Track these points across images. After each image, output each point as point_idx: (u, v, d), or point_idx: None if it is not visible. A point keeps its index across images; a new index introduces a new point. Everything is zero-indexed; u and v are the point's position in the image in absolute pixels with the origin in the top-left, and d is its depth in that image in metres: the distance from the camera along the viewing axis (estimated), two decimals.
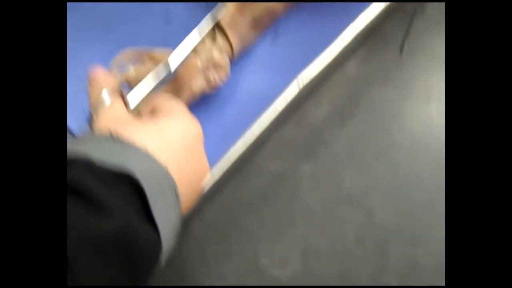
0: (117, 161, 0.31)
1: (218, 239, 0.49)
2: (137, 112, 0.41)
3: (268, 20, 0.54)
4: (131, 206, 0.30)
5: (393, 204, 0.50)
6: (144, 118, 0.40)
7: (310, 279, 0.49)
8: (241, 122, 0.52)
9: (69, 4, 0.58)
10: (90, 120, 0.38)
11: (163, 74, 0.43)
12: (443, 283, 0.47)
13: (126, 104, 0.40)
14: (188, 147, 0.37)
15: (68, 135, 0.52)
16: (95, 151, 0.31)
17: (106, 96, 0.38)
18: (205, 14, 0.50)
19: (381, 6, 0.51)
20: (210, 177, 0.45)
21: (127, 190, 0.31)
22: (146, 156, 0.33)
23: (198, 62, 0.47)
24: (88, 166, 0.30)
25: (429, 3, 0.58)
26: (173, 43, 0.53)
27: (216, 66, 0.48)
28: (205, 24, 0.48)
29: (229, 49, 0.49)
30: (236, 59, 0.54)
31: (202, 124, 0.48)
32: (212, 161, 0.46)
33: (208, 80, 0.47)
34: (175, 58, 0.44)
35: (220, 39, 0.49)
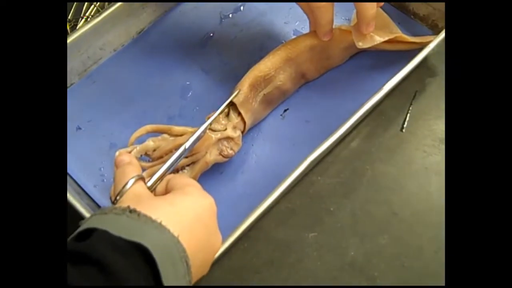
0: (132, 234, 0.35)
1: None
2: (154, 188, 0.46)
3: (279, 96, 0.59)
4: (144, 276, 0.34)
5: (394, 273, 0.51)
6: (160, 195, 0.44)
7: None
8: (251, 191, 0.55)
9: (92, 75, 0.63)
10: (113, 199, 0.42)
11: (177, 155, 0.48)
12: None
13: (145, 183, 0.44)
14: (200, 219, 0.41)
15: (85, 197, 0.55)
16: (113, 224, 0.36)
17: (130, 184, 0.42)
18: (220, 89, 0.54)
19: (386, 88, 0.55)
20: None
21: (140, 261, 0.34)
22: (159, 229, 0.36)
23: (213, 137, 0.52)
24: (106, 237, 0.35)
25: (429, 84, 0.62)
26: (188, 116, 0.58)
27: (229, 139, 0.52)
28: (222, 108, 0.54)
29: (242, 124, 0.54)
30: (248, 132, 0.58)
31: (213, 192, 0.51)
32: (222, 228, 0.48)
33: (221, 152, 0.52)
34: (190, 140, 0.49)
35: (233, 115, 0.54)
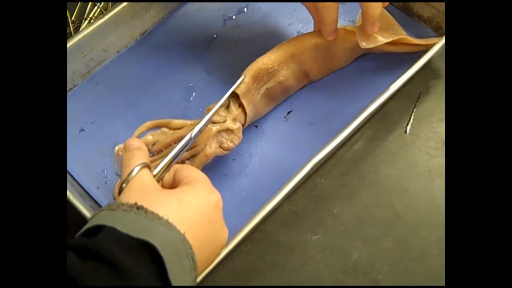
0: (140, 231, 0.36)
1: None
2: (160, 178, 0.45)
3: (281, 93, 0.58)
4: (152, 272, 0.35)
5: (398, 276, 0.51)
6: (167, 188, 0.44)
7: None
8: (254, 194, 0.55)
9: (96, 77, 0.63)
10: (120, 189, 0.42)
11: (182, 143, 0.48)
12: None
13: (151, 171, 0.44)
14: (206, 216, 0.41)
15: (88, 199, 0.55)
16: (121, 221, 0.36)
17: (135, 171, 0.42)
18: (224, 90, 0.54)
19: (390, 91, 0.55)
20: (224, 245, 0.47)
21: (148, 258, 0.35)
22: (166, 225, 0.37)
23: (213, 129, 0.51)
24: (115, 235, 0.35)
25: (433, 86, 0.62)
26: (191, 117, 0.58)
27: (229, 131, 0.52)
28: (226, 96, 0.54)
29: (242, 116, 0.54)
30: (251, 135, 0.58)
31: None
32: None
33: (221, 144, 0.52)
34: (195, 130, 0.49)
35: (233, 106, 0.53)
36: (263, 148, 0.58)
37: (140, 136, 0.52)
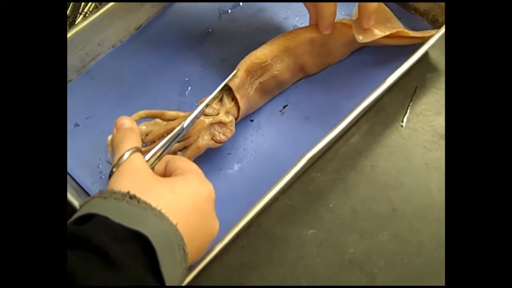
0: (133, 221, 0.35)
1: None
2: (152, 166, 0.45)
3: (275, 87, 0.58)
4: (143, 263, 0.35)
5: (394, 270, 0.51)
6: (160, 177, 0.43)
7: None
8: (250, 188, 0.55)
9: (90, 72, 0.63)
10: (110, 173, 0.42)
11: (175, 132, 0.48)
12: None
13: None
14: (198, 207, 0.41)
15: (83, 194, 0.55)
16: (113, 210, 0.36)
17: (126, 156, 0.42)
18: (219, 84, 0.54)
19: (386, 84, 0.55)
20: (219, 240, 0.47)
21: (139, 248, 0.35)
22: (158, 216, 0.37)
23: (206, 121, 0.51)
24: (107, 224, 0.35)
25: (430, 79, 0.62)
26: (186, 111, 0.57)
27: (221, 124, 0.52)
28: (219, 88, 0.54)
29: (235, 110, 0.54)
30: (247, 129, 0.58)
31: (214, 189, 0.51)
32: (221, 225, 0.48)
33: (213, 137, 0.52)
34: (187, 120, 0.49)
35: (227, 99, 0.53)
36: (259, 142, 0.58)
37: None
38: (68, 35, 0.60)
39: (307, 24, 0.60)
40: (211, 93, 0.53)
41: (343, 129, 0.53)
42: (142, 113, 0.53)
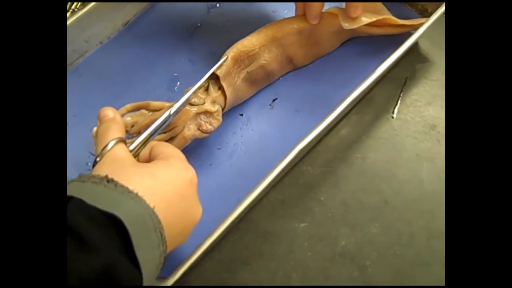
0: (107, 204, 0.35)
1: None
2: (137, 154, 0.45)
3: (263, 77, 0.58)
4: (117, 245, 0.34)
5: (386, 261, 0.51)
6: (142, 162, 0.43)
7: None
8: (240, 183, 0.55)
9: (78, 69, 0.62)
10: (94, 163, 0.42)
11: (161, 120, 0.48)
12: None
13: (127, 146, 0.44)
14: (179, 191, 0.41)
15: None
16: (89, 193, 0.35)
17: (110, 146, 0.42)
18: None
19: (375, 75, 0.54)
20: (209, 235, 0.47)
21: (114, 231, 0.34)
22: (135, 199, 0.36)
23: (192, 111, 0.51)
24: (82, 207, 0.34)
25: (420, 70, 0.61)
26: (171, 99, 0.57)
27: (208, 114, 0.52)
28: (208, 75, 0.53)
29: (222, 99, 0.53)
30: (237, 123, 0.58)
31: (202, 184, 0.50)
32: (212, 221, 0.48)
33: (199, 127, 0.51)
34: (174, 107, 0.49)
35: (213, 88, 0.53)
36: (249, 136, 0.57)
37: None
38: None
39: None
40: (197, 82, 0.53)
41: (333, 121, 0.53)
42: (128, 106, 0.52)
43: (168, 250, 0.39)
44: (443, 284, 0.48)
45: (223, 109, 0.54)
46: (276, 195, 0.54)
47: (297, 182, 0.55)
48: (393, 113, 0.59)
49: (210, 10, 0.67)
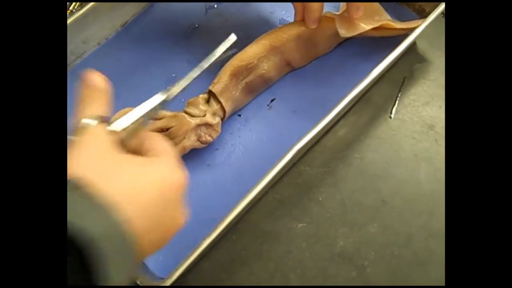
0: (70, 217, 0.30)
1: None
2: (122, 142, 0.40)
3: (262, 85, 0.58)
4: (73, 264, 0.31)
5: (384, 261, 0.51)
6: (130, 154, 0.38)
7: None
8: (238, 183, 0.55)
9: (76, 70, 0.62)
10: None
11: (154, 103, 0.43)
12: None
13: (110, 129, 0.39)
14: (163, 193, 0.37)
15: None
16: None
17: (88, 123, 0.36)
18: (206, 81, 0.54)
19: (373, 75, 0.54)
20: (208, 235, 0.46)
21: (74, 248, 0.31)
22: (103, 212, 0.32)
23: (192, 122, 0.51)
24: None
25: (418, 70, 0.61)
26: (173, 109, 0.57)
27: (207, 125, 0.52)
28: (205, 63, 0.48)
29: (221, 112, 0.54)
30: (235, 124, 0.58)
31: (200, 185, 0.50)
32: (210, 221, 0.48)
33: (199, 138, 0.52)
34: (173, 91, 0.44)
35: (213, 101, 0.53)
36: (247, 137, 0.57)
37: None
38: None
39: (293, 17, 0.60)
40: (200, 94, 0.53)
41: (330, 121, 0.53)
42: (127, 110, 0.52)
43: (147, 255, 0.36)
44: (441, 283, 0.48)
45: (222, 120, 0.55)
46: (274, 195, 0.54)
47: (295, 183, 0.55)
48: (391, 113, 0.59)
49: (208, 11, 0.67)
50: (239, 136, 0.57)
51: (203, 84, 0.58)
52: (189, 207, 0.53)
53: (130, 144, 0.39)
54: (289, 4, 0.60)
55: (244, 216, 0.53)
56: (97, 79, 0.39)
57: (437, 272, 0.50)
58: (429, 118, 0.59)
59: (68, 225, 0.30)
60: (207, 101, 0.54)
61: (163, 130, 0.51)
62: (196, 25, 0.66)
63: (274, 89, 0.60)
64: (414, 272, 0.50)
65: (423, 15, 0.63)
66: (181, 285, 0.48)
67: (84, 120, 0.36)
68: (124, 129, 0.39)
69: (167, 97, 0.42)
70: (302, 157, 0.56)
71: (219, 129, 0.53)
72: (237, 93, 0.55)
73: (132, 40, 0.65)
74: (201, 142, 0.53)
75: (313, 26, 0.57)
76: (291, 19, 0.63)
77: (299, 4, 0.57)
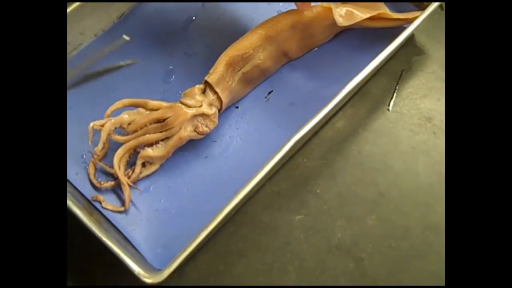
0: None
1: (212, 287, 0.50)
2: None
3: (259, 75, 0.58)
4: None
5: (382, 254, 0.51)
6: None
7: None
8: (236, 175, 0.54)
9: (73, 62, 0.62)
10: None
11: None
12: None
13: None
14: None
15: (68, 184, 0.54)
16: None
17: None
18: (204, 72, 0.54)
19: (370, 67, 0.54)
20: (205, 227, 0.46)
21: None
22: None
23: (188, 112, 0.51)
24: None
25: (416, 62, 0.61)
26: (170, 100, 0.57)
27: (204, 115, 0.52)
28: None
29: (218, 102, 0.53)
30: (232, 116, 0.57)
31: (198, 177, 0.50)
32: (208, 213, 0.48)
33: (196, 128, 0.51)
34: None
35: (210, 92, 0.53)
36: (244, 129, 0.57)
37: (115, 113, 0.52)
38: None
39: (292, 7, 0.59)
40: (195, 85, 0.53)
41: (328, 113, 0.53)
42: (125, 101, 0.52)
43: None
44: (439, 276, 0.48)
45: (219, 111, 0.54)
46: (272, 187, 0.54)
47: (293, 175, 0.55)
48: (389, 105, 0.59)
49: (205, 3, 0.66)
50: (237, 128, 0.57)
51: (199, 76, 0.58)
52: (187, 199, 0.53)
53: None
54: None
55: (241, 208, 0.53)
56: None
57: (435, 265, 0.50)
58: (427, 111, 0.59)
59: None
60: (203, 92, 0.54)
61: (159, 121, 0.51)
62: (194, 17, 0.65)
63: (271, 81, 0.60)
64: (411, 264, 0.50)
65: (421, 7, 0.62)
66: (178, 276, 0.48)
67: None
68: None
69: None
70: (300, 149, 0.56)
71: (216, 119, 0.53)
72: (234, 84, 0.55)
73: (129, 32, 0.64)
74: (198, 133, 0.52)
75: (304, 8, 0.57)
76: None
77: None
